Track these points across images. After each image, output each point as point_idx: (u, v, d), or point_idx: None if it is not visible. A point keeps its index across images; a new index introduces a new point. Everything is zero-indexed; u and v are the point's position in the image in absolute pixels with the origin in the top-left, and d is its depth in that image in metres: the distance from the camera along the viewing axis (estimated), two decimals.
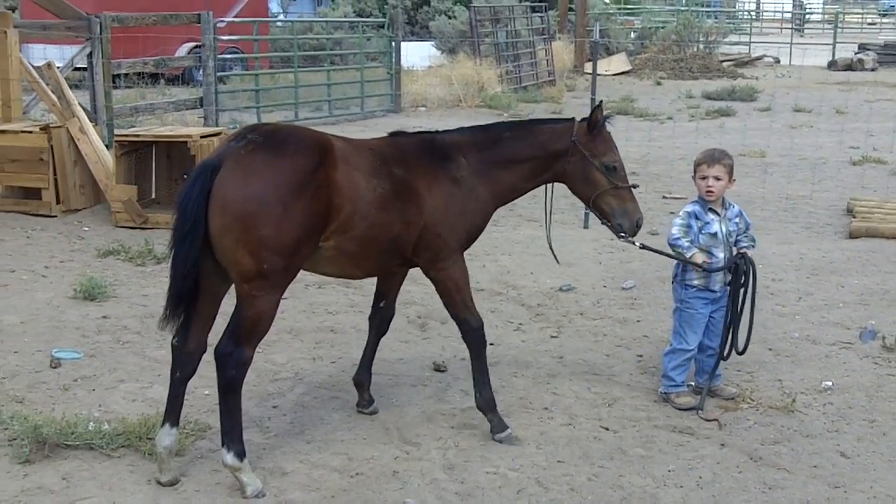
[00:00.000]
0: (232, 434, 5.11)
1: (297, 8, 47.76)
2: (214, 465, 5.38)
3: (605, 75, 30.80)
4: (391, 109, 21.14)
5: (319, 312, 8.02)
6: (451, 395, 6.45)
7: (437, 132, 5.96)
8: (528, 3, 30.39)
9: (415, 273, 8.86)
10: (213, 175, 4.88)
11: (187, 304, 5.15)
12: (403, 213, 5.39)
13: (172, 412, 5.28)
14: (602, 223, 6.04)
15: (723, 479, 5.36)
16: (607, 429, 5.98)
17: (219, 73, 17.26)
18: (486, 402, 5.84)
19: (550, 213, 6.12)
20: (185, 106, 16.01)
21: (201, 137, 10.73)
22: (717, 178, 6.19)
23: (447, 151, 5.69)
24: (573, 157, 5.78)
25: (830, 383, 6.65)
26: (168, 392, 5.34)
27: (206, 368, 6.68)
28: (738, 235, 6.34)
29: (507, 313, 8.14)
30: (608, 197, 5.81)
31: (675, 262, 6.38)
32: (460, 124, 19.04)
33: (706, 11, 47.64)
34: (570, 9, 34.44)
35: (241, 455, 5.10)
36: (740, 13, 59.02)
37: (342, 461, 5.50)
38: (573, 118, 5.92)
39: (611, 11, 42.26)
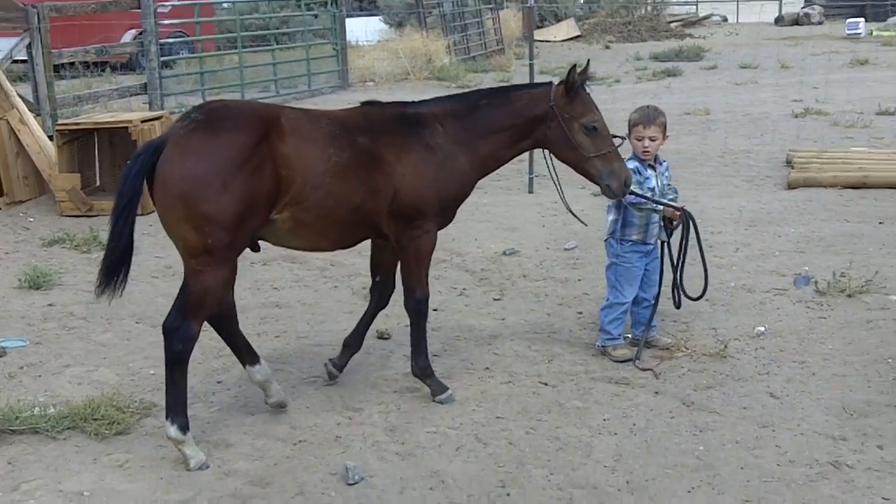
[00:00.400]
0: (176, 408, 5.21)
1: None
2: (159, 441, 5.46)
3: (555, 41, 30.96)
4: (339, 86, 21.15)
5: (265, 289, 8.10)
6: (395, 362, 6.55)
7: (412, 102, 5.99)
8: None
9: (360, 245, 8.95)
10: (154, 154, 5.00)
11: (126, 274, 5.26)
12: (367, 182, 5.41)
13: (244, 356, 5.75)
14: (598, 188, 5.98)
15: (656, 425, 5.51)
16: (546, 384, 6.12)
17: (163, 58, 17.20)
18: (421, 370, 5.97)
19: (558, 178, 6.13)
20: (130, 92, 15.96)
21: (142, 122, 10.75)
22: (653, 139, 6.31)
23: (421, 119, 5.70)
24: (553, 122, 5.73)
25: (763, 328, 6.82)
26: (229, 347, 5.83)
27: (151, 349, 6.82)
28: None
29: (451, 279, 8.25)
30: (593, 159, 5.75)
31: (612, 219, 6.48)
32: (409, 97, 19.08)
33: None
34: None
35: (184, 428, 5.20)
36: None
37: (285, 430, 5.60)
38: (550, 82, 5.89)
39: None
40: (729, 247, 8.73)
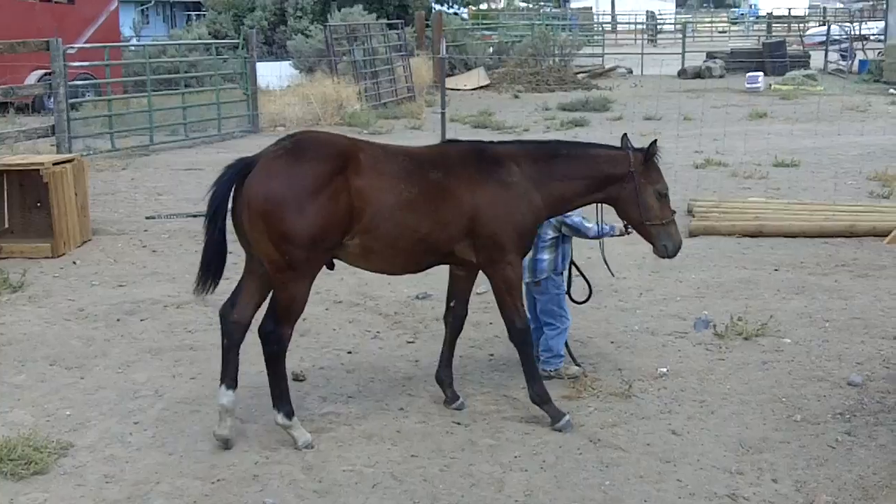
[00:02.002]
0: (281, 398, 5.90)
1: (150, 31, 47.36)
2: (78, 481, 5.55)
3: (464, 90, 31.36)
4: (249, 130, 21.19)
5: (178, 332, 8.15)
6: (310, 402, 6.68)
7: (490, 142, 6.47)
8: (384, 21, 30.70)
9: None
10: (243, 169, 5.65)
11: (218, 275, 5.94)
12: (436, 214, 5.87)
13: (226, 375, 5.98)
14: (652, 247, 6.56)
15: (564, 461, 5.74)
16: (459, 423, 6.31)
17: (71, 100, 17.11)
18: (539, 396, 6.25)
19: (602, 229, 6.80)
20: (37, 134, 15.77)
21: (53, 165, 10.75)
22: None
23: (498, 158, 6.15)
24: (628, 184, 6.25)
25: (665, 369, 7.12)
26: (221, 357, 6.04)
27: (67, 390, 6.85)
28: None
29: (365, 323, 8.40)
30: (656, 222, 6.33)
31: (549, 258, 6.99)
32: None
33: (562, 25, 48.69)
34: (427, 25, 34.90)
35: (290, 415, 5.92)
36: (595, 25, 60.40)
37: (204, 469, 5.70)
38: (626, 148, 6.36)
39: (467, 27, 42.87)
40: (633, 291, 9.04)
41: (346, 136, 6.22)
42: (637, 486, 5.43)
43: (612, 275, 7.49)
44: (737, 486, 5.42)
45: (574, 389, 6.75)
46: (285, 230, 5.48)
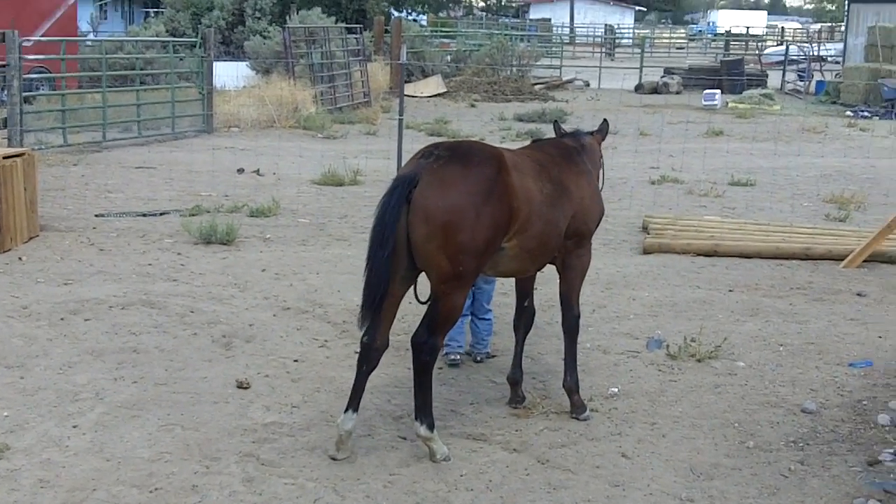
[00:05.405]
0: (424, 409, 5.79)
1: (107, 27, 46.94)
2: (12, 486, 5.38)
3: (421, 97, 31.25)
4: (203, 130, 20.92)
5: (122, 333, 7.96)
6: (254, 411, 6.53)
7: (567, 133, 6.92)
8: (343, 25, 30.57)
9: (219, 293, 8.94)
10: (408, 187, 5.50)
11: (378, 304, 5.68)
12: (563, 208, 6.11)
13: (355, 400, 5.89)
14: None
15: (511, 482, 5.63)
16: (404, 438, 6.18)
17: (25, 93, 16.84)
18: (573, 384, 6.52)
19: None
20: None
21: (4, 158, 10.53)
22: None
23: (578, 149, 6.58)
24: (600, 161, 6.88)
25: (616, 389, 7.04)
26: (353, 383, 5.91)
27: (5, 390, 6.67)
28: None
29: (312, 331, 8.24)
30: None
31: None
32: (275, 145, 18.91)
33: (520, 35, 48.81)
34: (386, 31, 34.81)
35: (431, 427, 5.82)
36: (554, 37, 60.63)
37: (141, 477, 5.54)
38: (591, 133, 7.00)
39: (426, 34, 42.79)
40: (585, 308, 8.91)
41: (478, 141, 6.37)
42: None
43: None
44: None
45: (523, 408, 6.65)
46: (463, 239, 5.45)
